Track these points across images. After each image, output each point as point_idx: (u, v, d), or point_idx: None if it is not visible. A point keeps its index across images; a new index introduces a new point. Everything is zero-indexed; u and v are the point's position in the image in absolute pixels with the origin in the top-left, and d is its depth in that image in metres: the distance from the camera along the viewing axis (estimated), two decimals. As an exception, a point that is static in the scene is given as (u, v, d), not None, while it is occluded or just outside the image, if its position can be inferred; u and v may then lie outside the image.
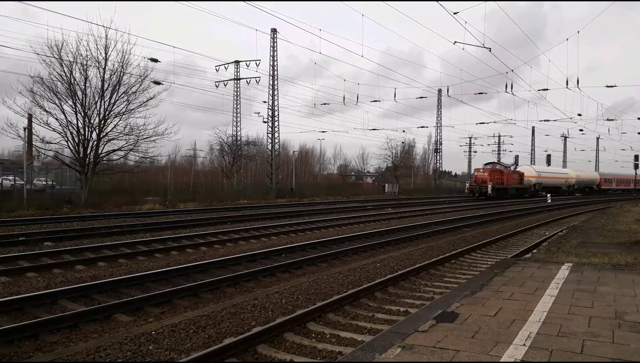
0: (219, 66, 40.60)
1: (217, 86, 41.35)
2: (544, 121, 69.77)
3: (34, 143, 26.08)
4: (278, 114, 41.19)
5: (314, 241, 13.13)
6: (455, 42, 21.07)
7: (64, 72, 23.25)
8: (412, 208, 29.76)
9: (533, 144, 76.30)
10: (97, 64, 24.14)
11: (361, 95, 39.10)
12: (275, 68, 39.94)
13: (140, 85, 25.21)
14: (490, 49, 21.51)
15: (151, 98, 25.58)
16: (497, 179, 43.60)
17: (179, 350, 5.14)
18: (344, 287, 8.16)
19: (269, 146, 42.46)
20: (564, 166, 75.80)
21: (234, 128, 45.19)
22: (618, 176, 75.79)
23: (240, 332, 5.66)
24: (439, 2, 15.60)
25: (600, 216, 23.58)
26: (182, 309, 6.87)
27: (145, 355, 4.97)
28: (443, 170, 77.04)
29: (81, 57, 23.57)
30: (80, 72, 23.75)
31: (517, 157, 70.80)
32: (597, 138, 77.92)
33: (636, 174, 63.54)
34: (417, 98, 61.24)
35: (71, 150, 24.67)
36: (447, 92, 37.70)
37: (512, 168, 50.53)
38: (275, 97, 40.58)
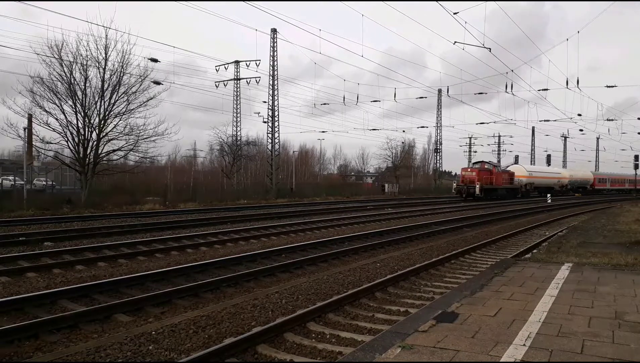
0: (219, 66, 40.71)
1: (217, 86, 41.47)
2: (544, 121, 69.90)
3: (34, 143, 26.14)
4: (278, 114, 41.26)
5: (314, 241, 13.13)
6: (455, 42, 21.12)
7: (64, 72, 23.33)
8: (412, 208, 29.76)
9: (533, 145, 76.42)
10: (97, 64, 24.23)
11: (361, 95, 39.26)
12: (275, 68, 40.01)
13: (140, 85, 25.30)
14: (490, 49, 21.56)
15: (151, 98, 25.68)
16: (485, 179, 41.79)
17: (179, 350, 5.14)
18: (344, 287, 8.15)
19: (269, 146, 42.49)
20: (564, 166, 75.81)
21: (234, 128, 45.30)
22: (612, 176, 74.69)
23: (240, 332, 5.66)
24: (439, 2, 15.61)
25: (601, 216, 23.58)
26: (182, 309, 6.87)
27: (145, 355, 4.97)
28: (443, 170, 77.05)
29: (81, 57, 23.64)
30: (80, 72, 23.84)
31: (517, 157, 70.83)
32: (597, 138, 78.09)
33: (636, 174, 63.58)
34: (417, 98, 61.36)
35: (71, 150, 24.72)
36: (447, 92, 37.71)
37: (501, 168, 48.45)
38: (275, 98, 40.65)
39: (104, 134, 24.60)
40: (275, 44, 39.59)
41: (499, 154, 74.45)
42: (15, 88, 25.55)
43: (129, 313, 6.54)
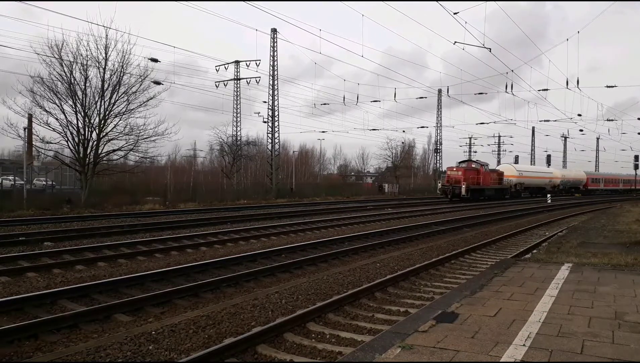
0: (219, 66, 40.69)
1: (217, 86, 41.44)
2: (544, 121, 69.60)
3: (34, 143, 26.14)
4: (278, 114, 41.25)
5: (314, 241, 13.13)
6: (455, 42, 21.12)
7: (64, 72, 23.32)
8: (412, 208, 29.76)
9: (533, 145, 76.44)
10: (97, 64, 24.22)
11: (361, 95, 39.33)
12: (276, 68, 39.99)
13: (140, 85, 25.30)
14: (490, 49, 21.56)
15: (151, 98, 25.67)
16: (471, 179, 39.55)
17: (179, 350, 5.14)
18: (344, 287, 8.15)
19: (269, 146, 42.47)
20: (564, 166, 75.77)
21: (234, 128, 45.27)
22: (606, 176, 73.32)
23: (240, 332, 5.66)
24: (439, 2, 15.62)
25: (601, 216, 23.58)
26: (182, 309, 6.87)
27: (145, 355, 4.97)
28: (443, 170, 76.94)
29: (81, 57, 23.64)
30: (81, 72, 23.83)
31: (517, 157, 70.87)
32: (597, 138, 78.11)
33: (636, 174, 63.54)
34: (417, 98, 61.34)
35: (71, 150, 24.71)
36: (447, 92, 37.76)
37: (489, 167, 45.57)
38: (276, 98, 40.63)
39: (104, 134, 24.60)
40: (275, 44, 39.62)
41: (499, 154, 74.53)
42: (15, 88, 25.56)
43: (128, 313, 6.54)
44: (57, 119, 23.52)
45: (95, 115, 24.39)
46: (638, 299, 5.85)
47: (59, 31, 58.53)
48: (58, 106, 23.44)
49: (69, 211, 20.93)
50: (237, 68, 42.94)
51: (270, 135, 41.86)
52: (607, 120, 45.43)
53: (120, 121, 25.05)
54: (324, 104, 44.13)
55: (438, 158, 63.66)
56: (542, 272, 7.58)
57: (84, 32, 39.30)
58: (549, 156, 73.67)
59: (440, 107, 59.60)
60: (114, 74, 24.58)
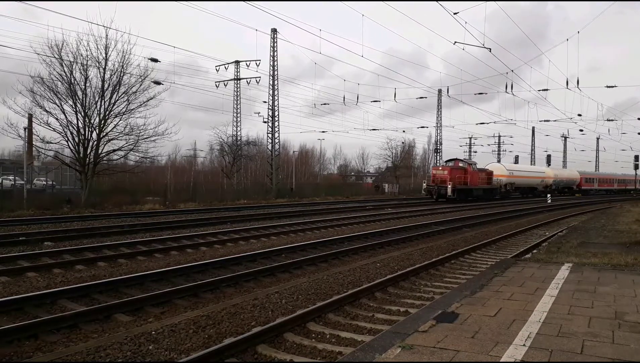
0: (219, 66, 40.70)
1: (217, 86, 41.46)
2: (544, 121, 69.45)
3: (34, 142, 26.10)
4: (278, 114, 41.24)
5: (314, 241, 13.13)
6: (455, 42, 21.13)
7: (64, 72, 23.29)
8: (412, 208, 29.76)
9: (533, 145, 76.44)
10: (98, 64, 24.19)
11: (362, 95, 39.34)
12: (276, 68, 39.99)
13: (141, 85, 25.27)
14: (490, 49, 21.57)
15: (151, 98, 25.64)
16: (458, 179, 37.82)
17: (179, 350, 5.14)
18: (344, 287, 8.15)
19: (269, 146, 42.47)
20: (564, 166, 75.76)
21: (234, 128, 45.26)
22: (600, 176, 72.19)
23: (240, 332, 5.66)
24: (439, 2, 15.62)
25: (600, 216, 23.59)
26: (182, 309, 6.87)
27: (145, 355, 4.97)
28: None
29: (81, 57, 23.62)
30: (81, 72, 23.80)
31: (517, 157, 70.95)
32: (597, 138, 78.12)
33: (636, 174, 63.51)
34: (417, 98, 61.29)
35: (71, 150, 24.70)
36: (448, 92, 37.80)
37: (477, 166, 43.31)
38: (276, 98, 40.63)
39: (104, 134, 24.58)
40: (275, 44, 39.62)
41: (499, 154, 74.54)
42: (15, 88, 25.54)
43: (128, 313, 6.54)
44: (57, 119, 23.53)
45: (95, 115, 24.40)
46: (638, 299, 5.85)
47: (59, 31, 58.45)
48: (58, 106, 23.45)
49: (69, 211, 20.93)
50: (237, 68, 42.97)
51: (270, 135, 41.88)
52: (607, 120, 45.50)
53: (121, 121, 25.07)
54: (324, 104, 44.22)
55: (438, 158, 63.64)
56: (542, 272, 7.58)
57: (84, 32, 39.27)
58: (549, 156, 73.77)
59: (440, 108, 59.62)
60: (114, 74, 24.59)
